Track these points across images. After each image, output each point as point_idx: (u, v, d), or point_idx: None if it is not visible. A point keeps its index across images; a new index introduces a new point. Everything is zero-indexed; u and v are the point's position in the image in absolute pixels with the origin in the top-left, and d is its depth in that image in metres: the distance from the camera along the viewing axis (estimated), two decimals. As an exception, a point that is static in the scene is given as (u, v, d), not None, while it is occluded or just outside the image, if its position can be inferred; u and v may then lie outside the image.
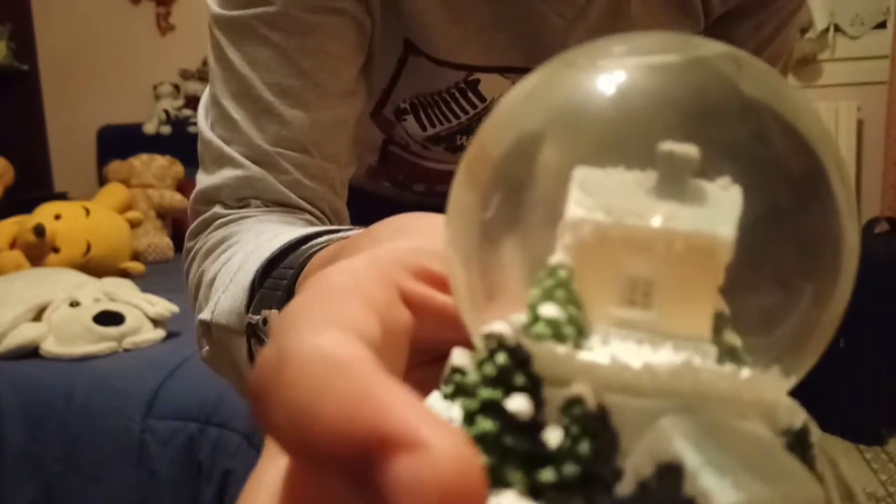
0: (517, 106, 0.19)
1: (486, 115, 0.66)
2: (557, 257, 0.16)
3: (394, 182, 0.83)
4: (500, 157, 0.18)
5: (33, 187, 3.30)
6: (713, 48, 0.18)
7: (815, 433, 0.16)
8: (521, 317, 0.16)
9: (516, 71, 0.65)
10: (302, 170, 0.57)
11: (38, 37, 3.59)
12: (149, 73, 3.42)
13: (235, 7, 0.56)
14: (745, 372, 0.15)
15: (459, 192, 0.19)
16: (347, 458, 0.13)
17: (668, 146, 0.16)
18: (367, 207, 0.62)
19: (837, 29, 2.77)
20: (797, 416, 0.16)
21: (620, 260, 0.16)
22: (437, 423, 0.13)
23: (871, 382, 2.26)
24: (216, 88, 0.58)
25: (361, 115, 0.68)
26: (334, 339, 0.15)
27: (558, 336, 0.15)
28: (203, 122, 0.59)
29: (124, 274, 2.20)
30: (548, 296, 0.16)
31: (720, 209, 0.16)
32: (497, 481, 0.15)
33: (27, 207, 2.38)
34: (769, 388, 0.15)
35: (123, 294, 1.61)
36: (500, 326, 0.16)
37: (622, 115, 0.17)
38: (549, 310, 0.16)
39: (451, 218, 0.19)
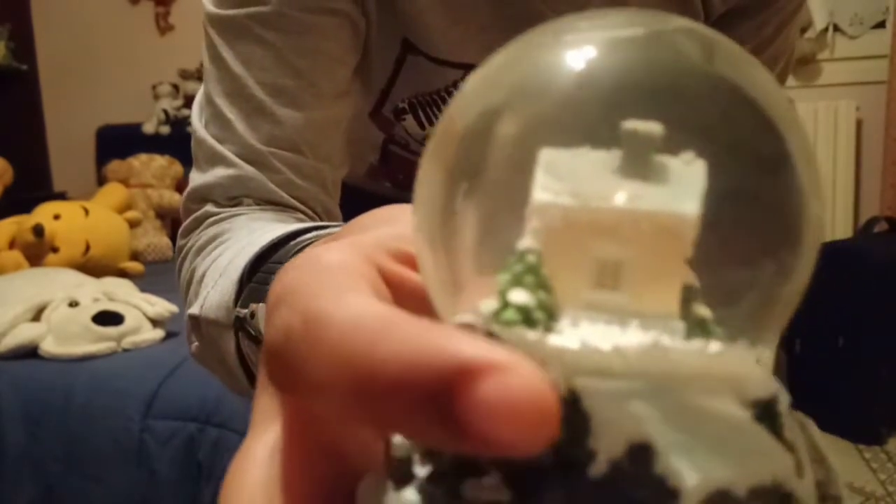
0: (483, 85, 0.19)
1: None
2: (526, 242, 0.16)
3: (394, 182, 0.82)
4: (466, 140, 0.18)
5: (32, 187, 3.29)
6: (678, 24, 0.18)
7: (784, 401, 0.16)
8: (492, 303, 0.16)
9: None
10: (294, 169, 0.57)
11: (38, 37, 3.58)
12: (148, 73, 3.41)
13: (230, 6, 0.56)
14: (714, 346, 0.15)
15: (426, 177, 0.19)
16: (423, 393, 0.13)
17: (631, 125, 0.16)
18: (366, 207, 0.61)
19: (836, 28, 2.77)
20: (765, 386, 0.16)
21: (588, 242, 0.16)
22: (507, 349, 0.14)
23: (870, 382, 2.25)
24: (210, 87, 0.58)
25: (361, 115, 0.68)
26: (368, 300, 0.16)
27: (528, 321, 0.15)
28: (197, 120, 0.59)
29: (123, 274, 2.20)
30: (517, 281, 0.16)
31: (684, 185, 0.16)
32: (475, 470, 0.15)
33: (26, 207, 2.37)
34: (737, 361, 0.15)
35: (122, 294, 1.61)
36: (468, 317, 0.16)
37: (588, 92, 0.17)
38: (518, 296, 0.16)
39: (417, 203, 0.19)
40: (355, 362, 0.14)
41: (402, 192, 0.83)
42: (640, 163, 0.16)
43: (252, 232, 0.50)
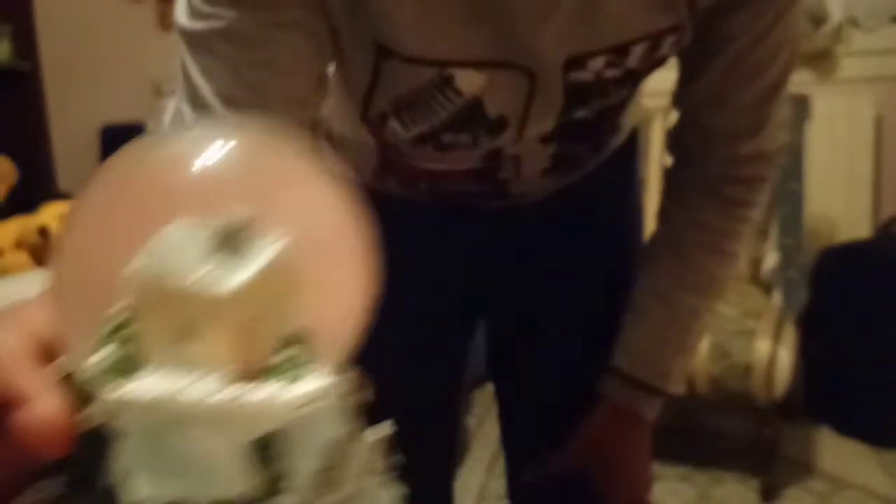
0: (112, 166, 0.25)
1: (466, 110, 0.69)
2: (121, 303, 0.22)
3: (400, 181, 0.83)
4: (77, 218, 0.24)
5: (36, 187, 3.29)
6: (253, 127, 0.25)
7: (304, 433, 0.21)
8: (89, 357, 0.21)
9: (490, 65, 0.65)
10: None
11: (40, 36, 3.58)
12: (151, 71, 3.40)
13: (194, 20, 0.58)
14: (234, 391, 0.20)
15: (55, 244, 0.24)
16: None
17: (224, 213, 0.22)
18: (377, 207, 0.60)
19: (853, 23, 2.73)
20: (269, 422, 0.20)
21: (171, 305, 0.21)
22: (46, 386, 0.21)
23: (889, 385, 2.23)
24: (177, 93, 0.61)
25: (354, 119, 0.71)
26: (5, 333, 0.23)
27: (116, 372, 0.21)
28: (165, 121, 0.63)
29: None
30: (109, 338, 0.21)
31: (251, 262, 0.22)
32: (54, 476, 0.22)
33: (31, 207, 2.39)
34: (256, 402, 0.20)
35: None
36: (62, 368, 0.22)
37: (201, 181, 0.23)
38: (105, 351, 0.21)
39: (51, 271, 0.24)
40: None
41: (409, 191, 0.83)
42: (229, 243, 0.22)
43: None
